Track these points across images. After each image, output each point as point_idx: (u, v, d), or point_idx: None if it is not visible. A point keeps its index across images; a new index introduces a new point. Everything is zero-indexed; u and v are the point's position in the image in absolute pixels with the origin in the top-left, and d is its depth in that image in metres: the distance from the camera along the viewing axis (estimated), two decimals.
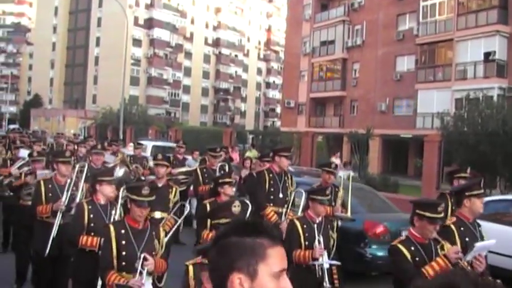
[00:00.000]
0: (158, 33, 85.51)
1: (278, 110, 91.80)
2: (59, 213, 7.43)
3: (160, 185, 8.53)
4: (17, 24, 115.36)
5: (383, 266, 9.40)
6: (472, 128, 23.41)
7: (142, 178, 15.23)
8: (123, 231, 5.28)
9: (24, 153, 11.76)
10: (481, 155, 21.64)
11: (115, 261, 5.19)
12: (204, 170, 11.47)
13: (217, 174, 10.76)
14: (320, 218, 6.73)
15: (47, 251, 7.23)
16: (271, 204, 8.91)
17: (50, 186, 7.73)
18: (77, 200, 7.51)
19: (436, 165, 18.27)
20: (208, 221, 6.15)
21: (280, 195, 8.99)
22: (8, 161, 11.81)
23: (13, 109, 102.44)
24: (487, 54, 37.54)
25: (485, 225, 8.68)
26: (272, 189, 9.00)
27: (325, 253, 6.54)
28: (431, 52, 41.90)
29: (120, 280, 5.12)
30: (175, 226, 8.38)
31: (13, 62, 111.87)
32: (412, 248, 5.32)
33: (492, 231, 8.85)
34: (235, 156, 21.62)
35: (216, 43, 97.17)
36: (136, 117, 52.92)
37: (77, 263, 6.44)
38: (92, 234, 6.28)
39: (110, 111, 53.60)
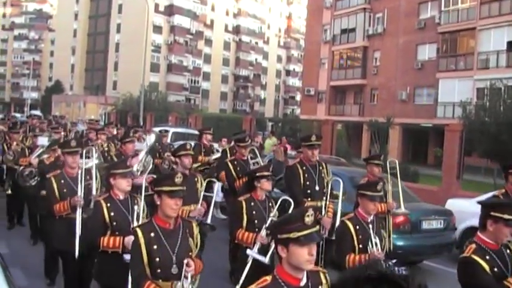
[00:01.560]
0: (179, 20, 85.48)
1: (298, 97, 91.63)
2: (78, 208, 6.87)
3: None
4: (39, 11, 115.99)
5: (403, 255, 9.38)
6: (493, 118, 23.28)
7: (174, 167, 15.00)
8: (152, 234, 4.60)
9: (42, 140, 11.17)
10: (502, 145, 21.51)
11: (147, 269, 4.54)
12: (235, 162, 10.29)
13: (250, 165, 10.16)
14: (372, 217, 5.97)
15: (77, 252, 6.68)
16: (309, 199, 8.18)
17: (62, 181, 7.17)
18: (94, 190, 7.12)
19: (457, 155, 18.11)
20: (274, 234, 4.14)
21: (317, 188, 8.32)
22: (27, 150, 11.54)
23: (35, 95, 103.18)
24: (510, 43, 37.13)
25: None
26: (308, 183, 8.31)
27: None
28: (453, 41, 41.52)
29: None
30: (211, 210, 7.86)
31: (35, 49, 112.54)
32: (487, 258, 4.66)
33: None
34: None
35: (236, 30, 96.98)
36: (156, 103, 53.16)
37: (100, 266, 5.89)
38: (117, 233, 5.71)
39: (130, 97, 53.88)
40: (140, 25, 64.12)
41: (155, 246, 4.53)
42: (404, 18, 45.22)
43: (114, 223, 5.75)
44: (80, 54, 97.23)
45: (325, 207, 8.24)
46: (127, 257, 5.36)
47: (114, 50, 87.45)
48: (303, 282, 3.44)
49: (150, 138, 11.66)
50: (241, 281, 6.30)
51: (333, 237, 7.27)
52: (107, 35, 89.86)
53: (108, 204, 5.83)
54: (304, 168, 8.39)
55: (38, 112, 60.79)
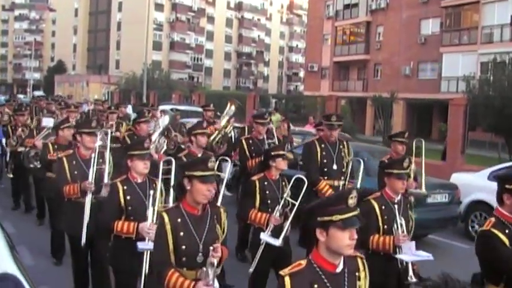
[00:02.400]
0: None
1: (301, 74, 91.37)
2: (88, 193, 6.61)
3: (199, 155, 7.79)
4: None
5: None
6: (498, 92, 23.18)
7: (183, 146, 14.53)
8: (179, 220, 4.28)
9: (48, 121, 10.83)
10: (506, 119, 21.45)
11: (172, 256, 4.25)
12: (250, 141, 9.71)
13: (266, 145, 9.60)
14: (399, 197, 5.68)
15: (83, 240, 6.50)
16: (326, 178, 7.96)
17: (74, 162, 6.86)
18: (106, 175, 6.72)
19: (461, 129, 18.10)
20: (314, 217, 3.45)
21: (335, 167, 8.02)
22: (35, 131, 11.19)
23: (37, 75, 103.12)
24: None
25: None
26: (325, 161, 8.03)
27: (412, 244, 5.51)
28: (456, 15, 41.24)
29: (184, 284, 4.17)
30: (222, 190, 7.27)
31: (36, 29, 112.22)
32: (507, 231, 4.59)
33: None
34: None
35: (239, 7, 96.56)
36: (160, 82, 53.13)
37: (114, 251, 5.69)
38: (131, 218, 5.47)
39: (133, 76, 53.85)
40: (142, 3, 63.91)
41: (181, 233, 4.26)
42: None
43: (130, 207, 5.50)
44: (81, 33, 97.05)
45: (343, 187, 7.93)
46: (141, 245, 5.27)
47: (116, 28, 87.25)
48: (339, 269, 3.26)
49: (164, 119, 11.29)
50: (254, 264, 6.26)
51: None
52: (109, 13, 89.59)
53: (125, 187, 5.58)
54: (322, 145, 8.10)
55: (41, 93, 60.78)
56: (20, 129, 12.29)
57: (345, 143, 8.37)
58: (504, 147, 23.61)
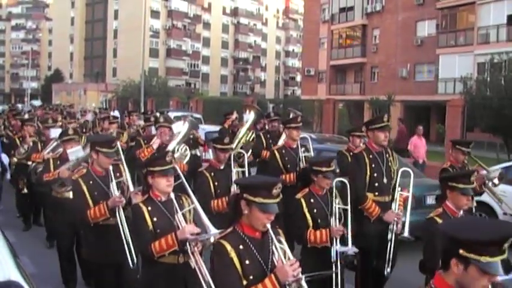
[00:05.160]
0: (176, 4, 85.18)
1: (298, 78, 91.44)
2: (118, 210, 5.80)
3: (222, 167, 7.38)
4: (36, 0, 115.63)
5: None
6: (495, 92, 23.23)
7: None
8: (241, 246, 3.71)
9: (56, 132, 9.62)
10: (504, 119, 21.49)
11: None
12: (283, 151, 8.91)
13: (300, 155, 8.83)
14: (461, 212, 5.20)
15: (135, 261, 5.66)
16: (376, 194, 6.94)
17: (91, 182, 6.04)
18: (130, 185, 6.10)
19: (459, 130, 18.18)
20: None
21: (385, 181, 6.99)
22: (39, 144, 10.38)
23: (35, 85, 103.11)
24: (510, 17, 36.93)
25: (508, 189, 8.68)
26: (375, 175, 6.96)
27: None
28: (452, 16, 41.31)
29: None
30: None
31: (33, 38, 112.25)
32: None
33: None
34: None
35: (234, 12, 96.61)
36: (157, 89, 53.29)
37: (148, 279, 5.07)
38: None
39: (130, 83, 53.92)
40: (138, 11, 64.05)
41: (247, 262, 3.69)
42: None
43: (158, 230, 4.89)
44: (78, 42, 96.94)
45: (394, 200, 7.04)
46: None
47: (112, 36, 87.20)
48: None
49: (179, 125, 10.12)
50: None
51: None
52: (105, 21, 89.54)
53: (149, 208, 4.97)
54: (371, 157, 7.01)
55: (39, 102, 60.69)
56: (29, 139, 11.50)
57: (390, 150, 7.36)
58: (503, 148, 23.62)
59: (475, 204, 8.50)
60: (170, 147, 9.04)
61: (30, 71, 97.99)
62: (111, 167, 6.11)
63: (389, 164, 7.09)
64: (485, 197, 11.20)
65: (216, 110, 30.87)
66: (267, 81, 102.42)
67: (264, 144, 9.71)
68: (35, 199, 11.19)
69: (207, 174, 7.16)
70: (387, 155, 7.10)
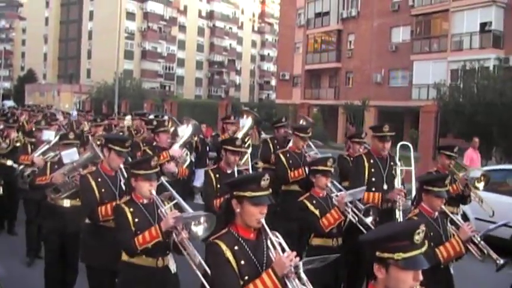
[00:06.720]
0: (152, 6, 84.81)
1: (273, 82, 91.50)
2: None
3: (229, 171, 7.00)
4: None
5: None
6: (468, 99, 23.47)
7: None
8: (236, 247, 3.68)
9: (49, 135, 9.05)
10: (477, 126, 21.70)
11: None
12: (288, 154, 8.88)
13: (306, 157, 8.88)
14: (437, 213, 5.45)
15: None
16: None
17: (99, 180, 5.95)
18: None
19: (432, 136, 18.29)
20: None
21: (385, 187, 6.98)
22: (29, 146, 9.54)
23: (7, 85, 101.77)
24: (483, 25, 37.36)
25: (482, 195, 8.75)
26: (374, 179, 6.98)
27: None
28: (426, 23, 41.68)
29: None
30: None
31: (6, 38, 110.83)
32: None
33: (489, 201, 8.92)
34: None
35: (210, 16, 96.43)
36: (131, 91, 53.00)
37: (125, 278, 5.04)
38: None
39: (104, 85, 53.57)
40: (113, 12, 63.53)
41: (242, 262, 3.65)
42: (378, 1, 45.30)
43: (138, 232, 4.86)
44: (52, 42, 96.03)
45: (396, 176, 7.17)
46: None
47: (87, 37, 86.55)
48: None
49: (182, 129, 9.90)
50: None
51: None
52: (80, 22, 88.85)
53: (131, 209, 4.97)
54: (371, 161, 7.08)
55: (11, 102, 59.88)
56: (13, 134, 10.85)
57: (395, 159, 7.46)
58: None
59: (461, 211, 8.64)
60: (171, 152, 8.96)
61: (3, 71, 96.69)
62: (122, 166, 6.07)
63: (393, 172, 7.13)
64: None
65: (191, 113, 30.75)
66: (241, 85, 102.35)
67: (272, 150, 9.76)
68: (15, 204, 10.75)
69: (212, 175, 6.94)
70: (391, 163, 7.18)
